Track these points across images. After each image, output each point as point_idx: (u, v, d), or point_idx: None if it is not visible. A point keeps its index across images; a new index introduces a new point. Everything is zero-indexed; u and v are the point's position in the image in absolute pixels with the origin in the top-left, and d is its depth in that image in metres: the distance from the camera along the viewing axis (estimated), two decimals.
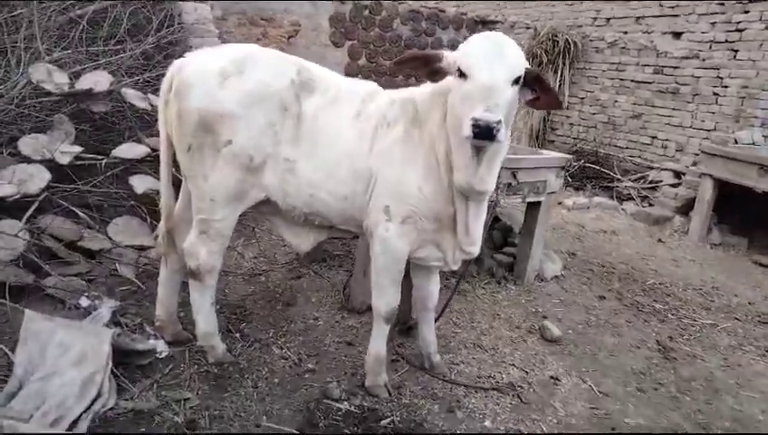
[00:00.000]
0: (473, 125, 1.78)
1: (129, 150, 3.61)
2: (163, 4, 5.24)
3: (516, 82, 1.90)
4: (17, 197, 3.06)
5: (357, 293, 3.17)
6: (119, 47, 4.51)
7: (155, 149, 3.67)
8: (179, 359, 2.49)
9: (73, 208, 3.27)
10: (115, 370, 2.22)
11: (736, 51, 6.29)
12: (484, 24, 9.77)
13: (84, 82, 3.69)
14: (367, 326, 3.02)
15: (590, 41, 7.95)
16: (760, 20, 6.08)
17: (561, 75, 8.13)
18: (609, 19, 7.73)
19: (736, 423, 2.57)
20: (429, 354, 2.66)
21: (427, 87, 2.27)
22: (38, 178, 3.22)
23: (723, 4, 6.40)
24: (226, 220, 2.27)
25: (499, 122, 1.79)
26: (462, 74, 1.90)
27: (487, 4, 9.96)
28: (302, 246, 2.44)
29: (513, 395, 2.56)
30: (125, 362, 2.34)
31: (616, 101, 7.64)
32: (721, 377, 2.97)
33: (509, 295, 3.69)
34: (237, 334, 2.77)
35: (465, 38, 8.78)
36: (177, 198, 2.50)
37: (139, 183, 3.49)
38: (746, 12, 6.19)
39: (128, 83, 3.95)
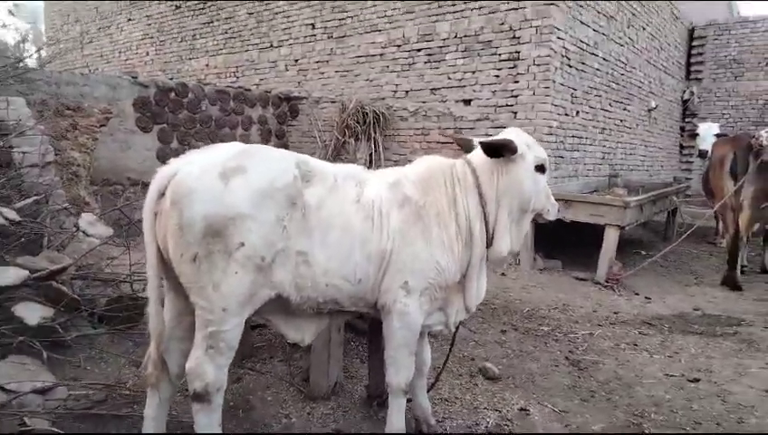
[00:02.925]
0: (557, 211, 2.61)
1: (1, 276, 2.97)
2: None
3: None
4: None
5: (320, 379, 3.08)
6: None
7: (34, 271, 3.10)
8: None
9: None
10: None
11: (516, 112, 7.77)
12: (289, 100, 10.22)
13: None
14: (340, 410, 2.99)
15: (395, 111, 8.93)
16: (528, 88, 7.64)
17: (375, 143, 8.91)
18: (407, 92, 8.81)
19: (657, 406, 3.19)
20: (426, 418, 2.74)
21: (416, 168, 2.49)
22: None
23: (498, 76, 7.88)
24: (237, 329, 2.10)
25: None
26: (542, 170, 2.48)
27: (287, 81, 10.42)
28: (306, 339, 2.36)
29: (507, 433, 2.79)
30: None
31: None
32: (624, 374, 3.63)
33: (432, 346, 3.92)
34: None
35: (272, 114, 8.99)
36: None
37: (29, 313, 2.89)
38: (517, 82, 7.73)
39: None
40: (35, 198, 4.05)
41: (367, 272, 2.27)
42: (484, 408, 3.08)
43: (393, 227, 2.30)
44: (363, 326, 3.72)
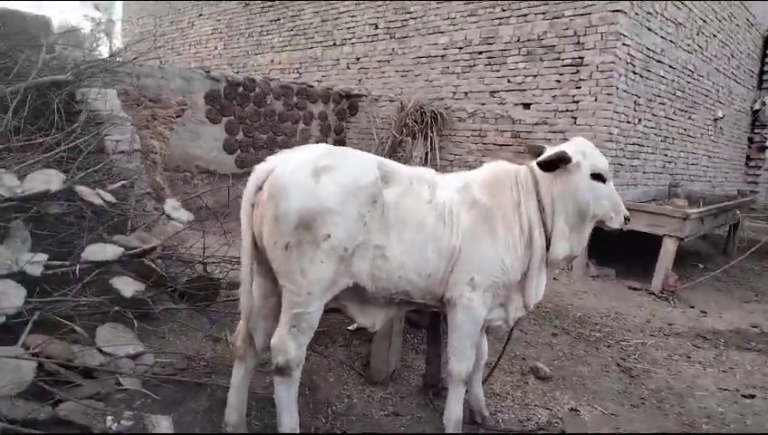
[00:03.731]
0: (625, 220, 2.67)
1: (100, 252, 3.31)
2: (66, 88, 4.87)
3: None
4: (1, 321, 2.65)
5: (380, 366, 3.28)
6: (30, 141, 4.11)
7: (128, 248, 3.43)
8: None
9: (65, 322, 2.89)
10: None
11: (576, 117, 7.75)
12: (349, 97, 10.49)
13: (35, 183, 3.32)
14: (398, 396, 3.19)
15: (453, 111, 9.04)
16: (590, 94, 7.61)
17: (432, 142, 9.06)
18: (466, 93, 8.91)
19: (709, 418, 3.23)
20: (480, 410, 2.90)
21: (483, 173, 2.65)
22: (13, 296, 2.81)
23: (559, 81, 7.87)
24: (318, 311, 2.32)
25: None
26: (600, 178, 2.55)
27: (348, 79, 10.69)
28: (377, 325, 2.57)
29: (559, 431, 2.91)
30: None
31: (482, 162, 8.71)
32: (676, 385, 3.67)
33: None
34: None
35: (332, 110, 9.24)
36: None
37: (125, 286, 3.22)
38: (578, 87, 7.71)
39: (77, 180, 3.63)
40: (123, 182, 4.42)
41: (437, 267, 2.44)
42: (535, 405, 3.21)
43: (462, 226, 2.46)
44: (419, 320, 3.91)
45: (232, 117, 8.94)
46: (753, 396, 3.55)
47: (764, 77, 13.28)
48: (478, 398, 2.91)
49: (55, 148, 3.99)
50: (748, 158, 13.34)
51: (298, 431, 2.41)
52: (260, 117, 9.32)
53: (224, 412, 2.61)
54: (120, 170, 4.76)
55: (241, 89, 9.01)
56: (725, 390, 3.63)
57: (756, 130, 13.29)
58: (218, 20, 13.63)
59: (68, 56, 5.78)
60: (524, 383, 3.51)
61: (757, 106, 13.19)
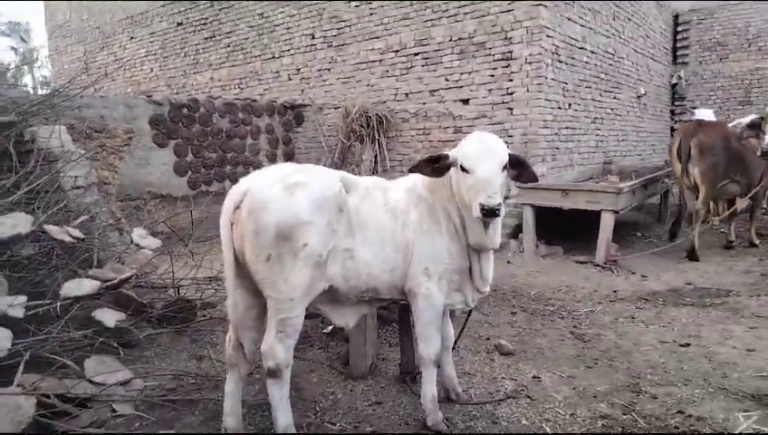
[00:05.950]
0: (481, 209, 2.43)
1: (78, 287, 3.42)
2: (12, 129, 4.88)
3: (504, 168, 2.63)
4: None
5: (358, 361, 3.54)
6: None
7: (104, 280, 3.56)
8: None
9: (56, 358, 3.01)
10: None
11: (512, 108, 8.22)
12: (294, 108, 10.67)
13: (5, 228, 3.40)
14: (378, 386, 3.45)
15: (396, 113, 9.38)
16: (521, 85, 8.10)
17: (380, 145, 9.37)
18: (407, 94, 9.26)
19: (653, 369, 3.65)
20: (454, 387, 3.20)
21: None
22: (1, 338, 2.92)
23: (493, 75, 8.33)
24: (301, 315, 2.56)
25: (500, 204, 2.46)
26: (464, 170, 2.56)
27: (290, 90, 10.86)
28: (350, 323, 2.83)
29: (524, 396, 3.25)
30: None
31: None
32: (623, 344, 4.09)
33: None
34: None
35: (279, 122, 9.48)
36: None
37: (107, 317, 3.35)
38: (511, 80, 8.18)
39: (43, 220, 3.71)
40: (84, 217, 4.49)
41: (396, 261, 2.72)
42: (502, 378, 3.54)
43: (412, 221, 2.74)
44: (389, 316, 4.19)
45: (179, 139, 8.98)
46: (688, 345, 4.01)
47: (678, 53, 14.29)
48: (450, 377, 3.21)
49: (14, 191, 4.04)
50: (672, 129, 14.31)
51: (293, 426, 2.64)
52: (207, 136, 9.39)
53: (220, 423, 2.82)
54: (78, 205, 4.81)
55: (185, 110, 9.06)
56: (665, 342, 4.08)
57: (676, 103, 14.30)
58: (151, 42, 13.49)
59: (3, 95, 5.73)
60: (491, 360, 3.84)
61: (674, 80, 14.18)
